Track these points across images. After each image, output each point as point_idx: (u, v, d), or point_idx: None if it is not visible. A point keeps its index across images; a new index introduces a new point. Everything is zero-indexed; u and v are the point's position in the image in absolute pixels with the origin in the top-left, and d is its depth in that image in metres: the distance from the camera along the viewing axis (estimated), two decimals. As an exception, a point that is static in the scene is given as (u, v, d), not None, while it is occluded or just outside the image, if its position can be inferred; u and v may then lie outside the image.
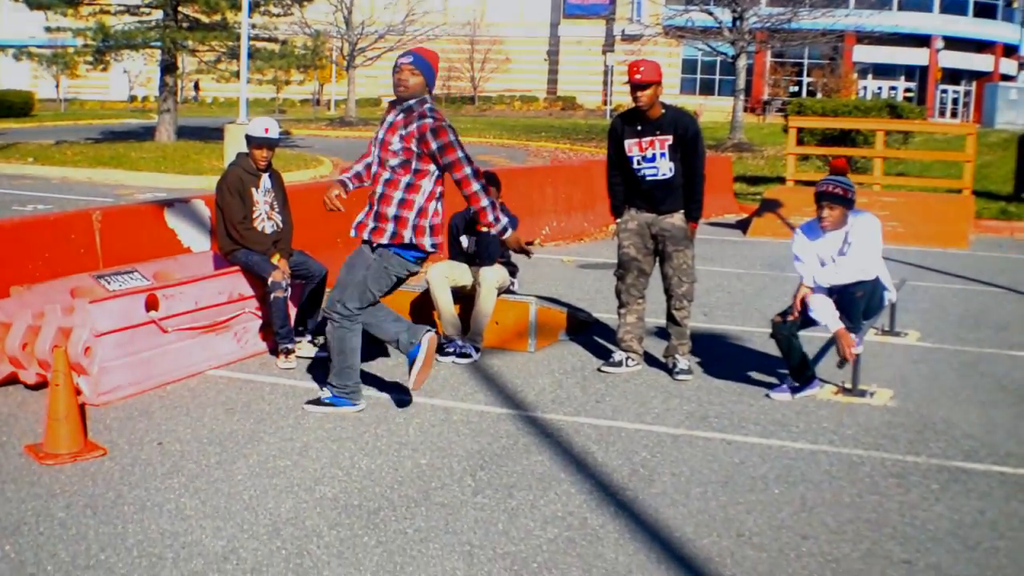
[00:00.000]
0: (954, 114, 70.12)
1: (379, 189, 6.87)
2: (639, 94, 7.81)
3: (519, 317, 8.84)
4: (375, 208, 6.88)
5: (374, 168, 6.96)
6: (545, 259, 13.80)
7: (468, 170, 6.80)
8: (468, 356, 8.46)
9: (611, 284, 8.49)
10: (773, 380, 8.04)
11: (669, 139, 7.93)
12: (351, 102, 51.89)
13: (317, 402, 7.16)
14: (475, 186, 6.83)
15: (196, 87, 68.93)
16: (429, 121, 6.74)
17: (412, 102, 6.83)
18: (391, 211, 6.82)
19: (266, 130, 8.50)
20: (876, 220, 7.49)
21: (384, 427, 6.80)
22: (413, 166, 6.78)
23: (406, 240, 6.84)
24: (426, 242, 6.91)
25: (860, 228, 7.39)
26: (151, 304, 7.81)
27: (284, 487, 5.77)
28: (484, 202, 6.88)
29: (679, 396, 7.64)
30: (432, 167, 6.84)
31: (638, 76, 7.77)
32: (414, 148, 6.74)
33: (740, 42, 36.56)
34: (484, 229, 8.60)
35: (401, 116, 6.84)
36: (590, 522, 5.38)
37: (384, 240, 6.85)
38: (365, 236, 6.96)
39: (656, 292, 8.42)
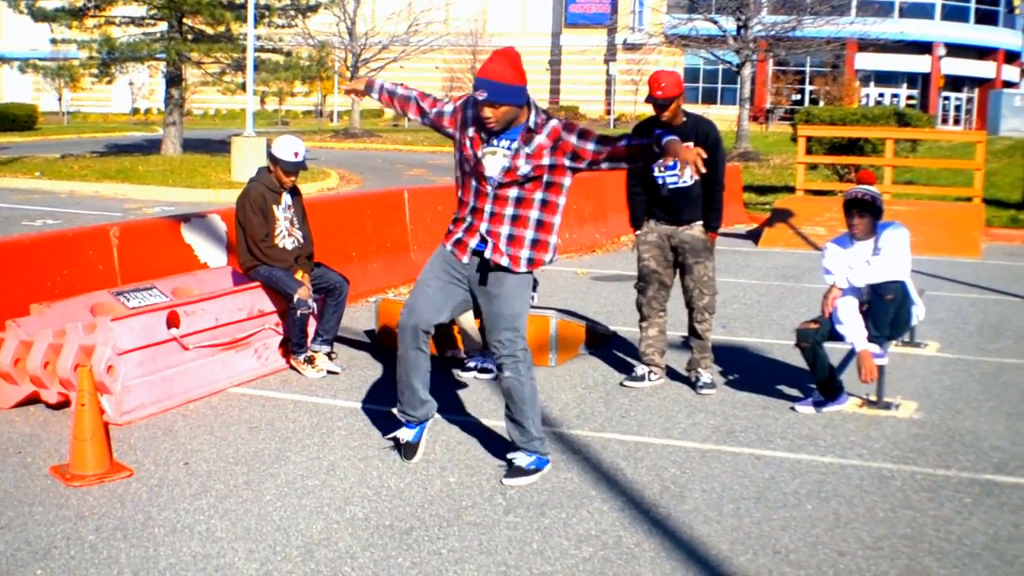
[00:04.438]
0: (957, 121, 70.15)
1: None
2: (662, 111, 7.76)
3: (539, 331, 8.79)
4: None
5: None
6: (559, 271, 13.78)
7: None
8: (489, 371, 8.43)
9: (627, 296, 8.47)
10: (796, 393, 8.00)
11: (690, 146, 7.88)
12: (355, 113, 51.99)
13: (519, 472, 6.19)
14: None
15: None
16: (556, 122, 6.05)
17: (532, 118, 5.99)
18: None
19: (296, 154, 8.45)
20: (905, 230, 7.49)
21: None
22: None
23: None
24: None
25: (889, 236, 7.40)
26: (172, 321, 7.79)
27: (314, 507, 5.73)
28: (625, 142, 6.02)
29: (704, 410, 7.60)
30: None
31: (659, 93, 7.68)
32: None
33: (745, 51, 36.55)
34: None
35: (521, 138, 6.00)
36: (625, 540, 5.33)
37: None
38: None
39: (676, 305, 8.38)
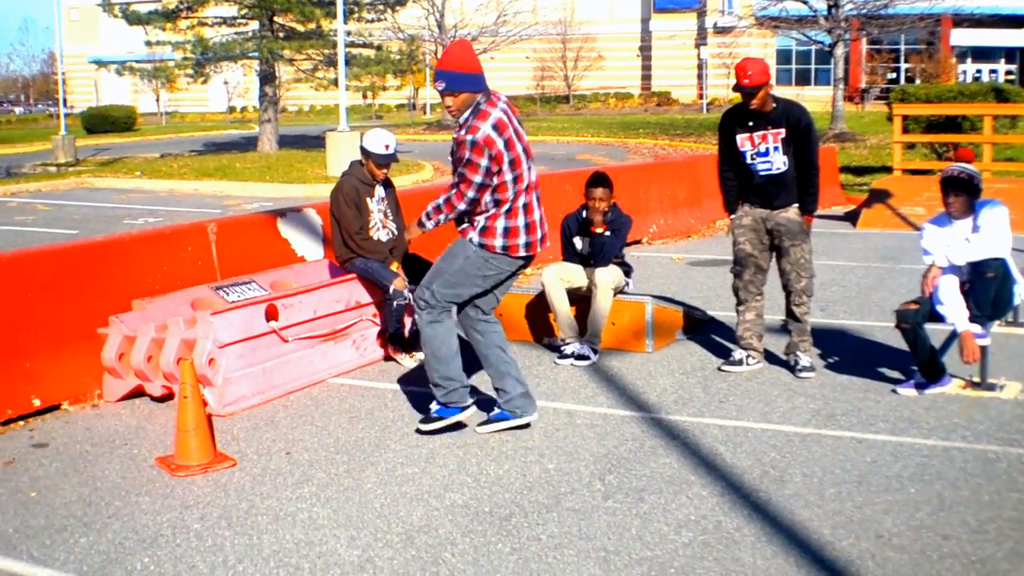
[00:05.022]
0: (1059, 95, 68.45)
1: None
2: (750, 99, 7.69)
3: (635, 317, 8.78)
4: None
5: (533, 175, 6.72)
6: (654, 257, 13.74)
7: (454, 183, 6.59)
8: (586, 358, 8.42)
9: (724, 281, 8.41)
10: (897, 375, 7.88)
11: (782, 132, 7.82)
12: (447, 105, 52.04)
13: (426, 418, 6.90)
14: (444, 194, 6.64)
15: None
16: (461, 134, 6.47)
17: (464, 117, 6.51)
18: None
19: (387, 147, 8.52)
20: (1005, 208, 7.36)
21: (509, 432, 6.77)
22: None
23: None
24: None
25: (988, 214, 7.28)
26: (271, 314, 7.89)
27: (414, 495, 5.78)
28: (437, 202, 6.67)
29: (803, 394, 7.53)
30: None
31: (747, 81, 7.61)
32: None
33: (836, 30, 36.04)
34: (597, 230, 8.59)
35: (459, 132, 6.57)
36: (725, 525, 5.31)
37: None
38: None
39: (774, 288, 8.32)
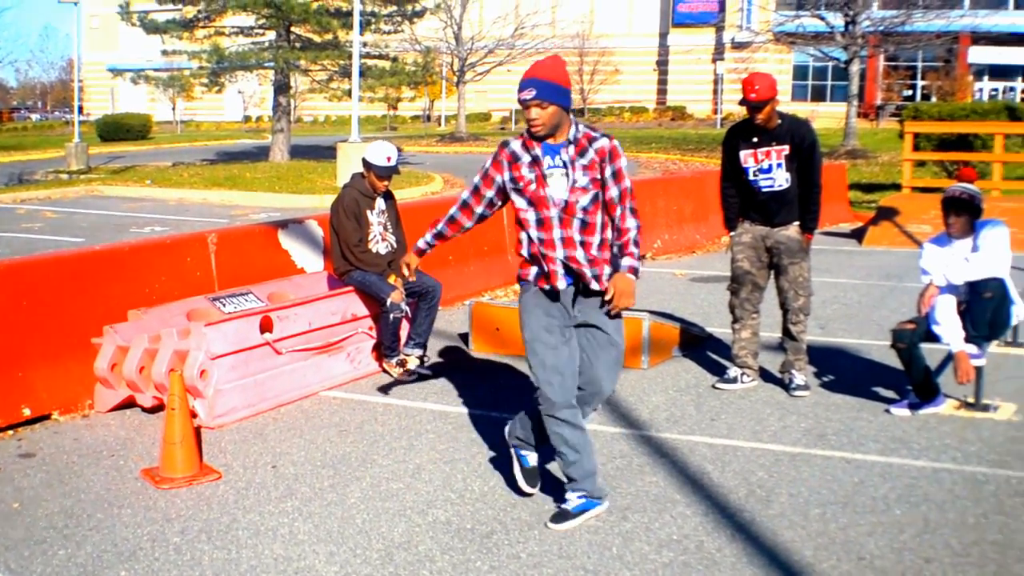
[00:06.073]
0: (1077, 114, 68.08)
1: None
2: (756, 113, 7.66)
3: (632, 333, 8.73)
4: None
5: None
6: (657, 272, 13.69)
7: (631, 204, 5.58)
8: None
9: (724, 298, 8.39)
10: (892, 395, 7.84)
11: (786, 149, 7.78)
12: (461, 117, 52.15)
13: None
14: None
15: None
16: (606, 142, 5.51)
17: (573, 132, 5.48)
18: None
19: (388, 159, 8.52)
20: (1006, 228, 7.32)
21: (496, 447, 6.75)
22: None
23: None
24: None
25: (988, 234, 7.25)
26: (265, 326, 7.88)
27: (397, 510, 5.76)
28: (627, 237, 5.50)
29: (796, 413, 7.49)
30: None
31: (753, 96, 7.58)
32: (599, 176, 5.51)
33: (853, 47, 35.97)
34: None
35: (572, 150, 5.49)
36: (706, 545, 5.27)
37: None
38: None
39: (771, 306, 8.28)
